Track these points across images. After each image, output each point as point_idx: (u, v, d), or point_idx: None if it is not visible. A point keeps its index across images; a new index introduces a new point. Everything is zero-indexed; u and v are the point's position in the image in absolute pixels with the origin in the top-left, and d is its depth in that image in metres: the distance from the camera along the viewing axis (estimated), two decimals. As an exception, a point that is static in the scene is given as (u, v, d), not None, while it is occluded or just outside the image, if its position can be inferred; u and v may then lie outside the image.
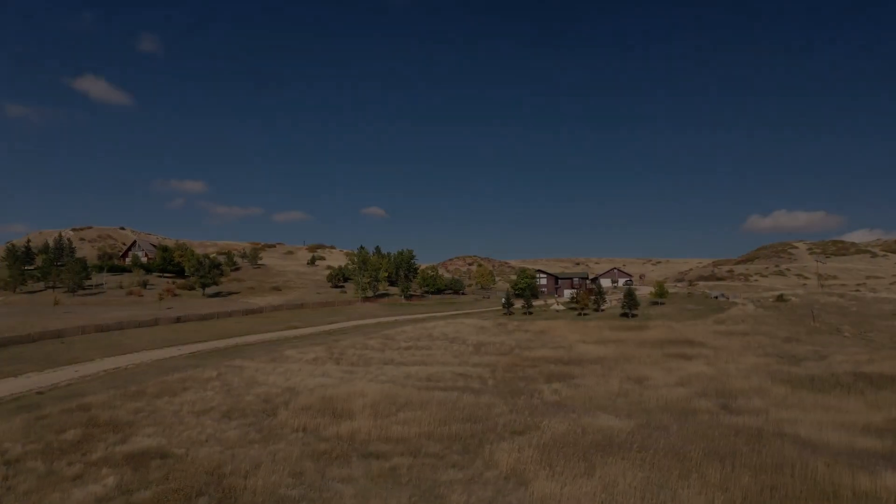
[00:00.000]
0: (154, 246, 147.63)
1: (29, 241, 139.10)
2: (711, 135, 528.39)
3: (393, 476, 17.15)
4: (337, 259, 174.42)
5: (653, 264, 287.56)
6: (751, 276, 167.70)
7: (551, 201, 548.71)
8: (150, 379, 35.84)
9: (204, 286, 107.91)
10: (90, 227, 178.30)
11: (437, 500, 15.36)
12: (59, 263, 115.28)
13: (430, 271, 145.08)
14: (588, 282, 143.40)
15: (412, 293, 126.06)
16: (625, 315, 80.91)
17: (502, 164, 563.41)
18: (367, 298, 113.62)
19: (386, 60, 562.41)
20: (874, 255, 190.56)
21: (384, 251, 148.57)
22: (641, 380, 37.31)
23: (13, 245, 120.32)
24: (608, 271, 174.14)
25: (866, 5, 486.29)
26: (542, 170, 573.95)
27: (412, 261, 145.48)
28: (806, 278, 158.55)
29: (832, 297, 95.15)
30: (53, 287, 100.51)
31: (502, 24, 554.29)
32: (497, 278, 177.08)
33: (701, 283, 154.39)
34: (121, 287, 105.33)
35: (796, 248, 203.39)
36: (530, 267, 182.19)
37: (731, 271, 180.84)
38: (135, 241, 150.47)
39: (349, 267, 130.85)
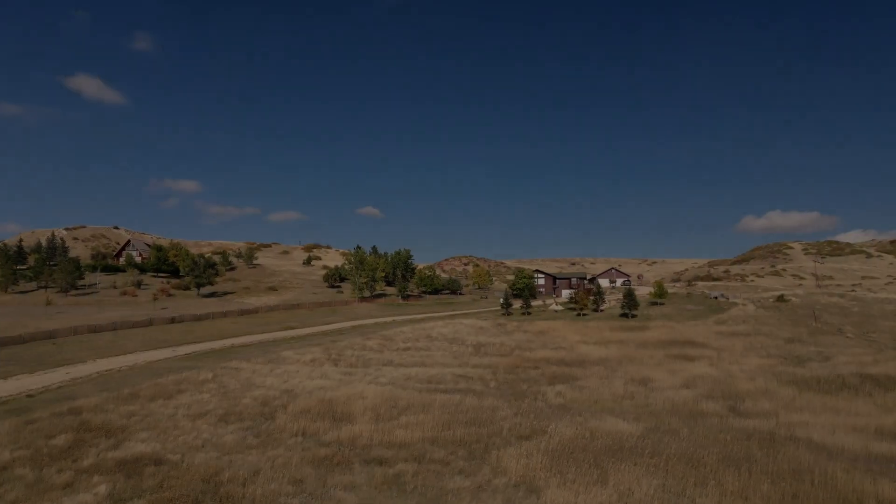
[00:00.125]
0: (148, 245, 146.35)
1: (21, 240, 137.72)
2: (705, 136, 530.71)
3: (397, 483, 16.52)
4: (333, 259, 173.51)
5: (648, 265, 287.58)
6: (747, 276, 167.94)
7: (548, 202, 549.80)
8: (144, 381, 34.87)
9: (199, 286, 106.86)
10: (84, 227, 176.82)
11: (446, 509, 14.72)
12: (51, 263, 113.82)
13: (427, 271, 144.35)
14: (586, 282, 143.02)
15: (409, 293, 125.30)
16: (624, 315, 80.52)
17: (497, 164, 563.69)
18: (364, 298, 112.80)
19: (382, 60, 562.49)
20: (869, 255, 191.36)
21: (380, 251, 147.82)
22: (646, 381, 36.81)
23: (5, 244, 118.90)
24: (606, 271, 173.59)
25: (856, 9, 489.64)
26: (537, 171, 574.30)
27: (409, 261, 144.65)
28: (802, 278, 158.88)
29: (832, 297, 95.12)
30: (46, 287, 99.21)
31: (499, 25, 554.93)
32: (493, 278, 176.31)
33: (699, 284, 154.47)
34: (114, 287, 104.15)
35: (791, 248, 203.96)
36: (526, 267, 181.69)
37: (727, 271, 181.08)
38: (129, 241, 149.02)
39: (346, 267, 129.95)
